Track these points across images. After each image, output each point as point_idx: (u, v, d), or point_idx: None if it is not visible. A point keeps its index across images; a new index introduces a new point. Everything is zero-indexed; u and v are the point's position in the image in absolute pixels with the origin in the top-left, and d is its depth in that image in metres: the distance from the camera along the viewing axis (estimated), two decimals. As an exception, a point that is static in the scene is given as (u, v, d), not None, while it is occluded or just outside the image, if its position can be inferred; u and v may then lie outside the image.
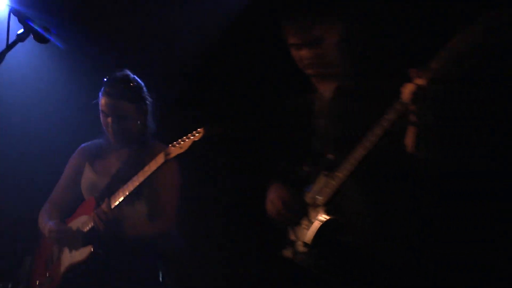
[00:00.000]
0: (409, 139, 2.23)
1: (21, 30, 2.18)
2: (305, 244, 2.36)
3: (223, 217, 3.94)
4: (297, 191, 2.50)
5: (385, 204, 2.34)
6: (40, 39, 2.21)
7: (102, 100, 2.85)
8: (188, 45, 4.01)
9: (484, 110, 3.01)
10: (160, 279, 4.18)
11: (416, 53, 2.32)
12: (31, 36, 2.19)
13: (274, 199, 2.50)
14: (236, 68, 3.85)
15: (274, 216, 2.50)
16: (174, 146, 2.62)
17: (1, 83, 4.07)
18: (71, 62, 4.21)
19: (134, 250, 2.72)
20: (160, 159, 2.62)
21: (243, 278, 3.87)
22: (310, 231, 2.35)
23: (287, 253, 2.46)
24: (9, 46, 2.16)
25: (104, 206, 2.63)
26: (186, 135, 2.63)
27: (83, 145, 3.05)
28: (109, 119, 2.82)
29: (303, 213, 2.42)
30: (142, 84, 2.94)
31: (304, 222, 2.40)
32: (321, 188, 2.39)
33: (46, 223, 2.83)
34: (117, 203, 2.65)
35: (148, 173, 2.64)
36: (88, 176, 2.91)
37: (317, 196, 2.38)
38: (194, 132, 2.61)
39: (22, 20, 2.18)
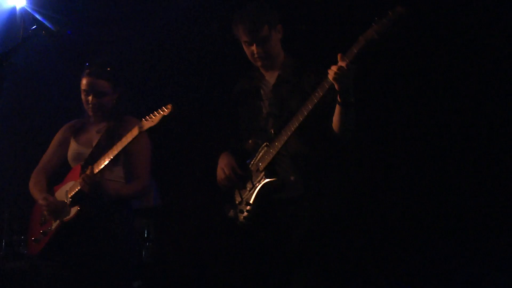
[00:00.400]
0: (335, 116, 2.74)
1: (34, 26, 2.46)
2: (248, 203, 2.85)
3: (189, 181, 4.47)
4: (244, 160, 2.97)
5: (311, 166, 2.84)
6: (51, 33, 2.44)
7: (83, 81, 3.24)
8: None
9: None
10: (145, 235, 4.76)
11: (340, 43, 2.75)
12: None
13: (224, 166, 2.97)
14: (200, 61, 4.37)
15: (223, 181, 2.97)
16: (146, 120, 2.94)
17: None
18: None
19: (113, 209, 3.14)
20: (135, 131, 2.96)
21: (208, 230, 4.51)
22: (252, 192, 2.85)
23: (231, 214, 2.95)
24: (24, 40, 2.44)
25: (88, 171, 3.02)
26: (156, 110, 2.95)
27: (67, 123, 3.46)
28: (89, 97, 3.22)
29: (248, 178, 2.91)
30: (117, 68, 3.34)
31: (248, 186, 2.90)
32: (262, 157, 2.88)
33: (39, 195, 3.21)
34: (99, 168, 3.03)
35: (125, 143, 2.99)
36: (73, 147, 3.30)
37: (259, 163, 2.88)
38: (163, 107, 2.92)
39: (35, 17, 2.39)
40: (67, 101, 4.20)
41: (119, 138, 3.05)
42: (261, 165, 2.87)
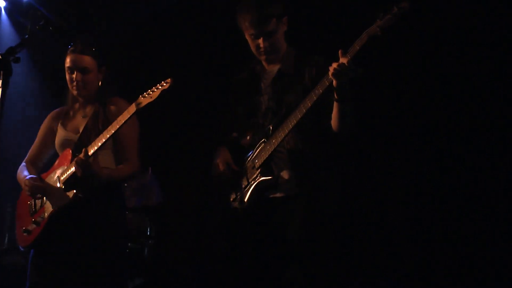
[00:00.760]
0: (333, 113, 2.67)
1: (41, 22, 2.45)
2: (242, 202, 2.79)
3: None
4: (239, 156, 2.90)
5: (307, 164, 2.76)
6: (57, 30, 2.43)
7: (67, 59, 3.15)
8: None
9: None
10: (148, 232, 4.72)
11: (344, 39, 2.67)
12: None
13: (219, 161, 2.91)
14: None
15: (217, 176, 2.91)
16: (144, 96, 2.81)
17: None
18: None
19: (105, 196, 3.07)
20: (132, 109, 2.83)
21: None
22: (247, 190, 2.79)
23: (234, 206, 2.86)
24: (30, 35, 2.43)
25: (82, 155, 2.91)
26: (155, 86, 2.79)
27: (51, 112, 3.36)
28: (74, 74, 3.12)
29: (243, 174, 2.85)
30: (101, 46, 3.25)
31: (244, 183, 2.83)
32: (259, 154, 2.81)
33: (24, 177, 3.13)
34: (92, 151, 2.93)
35: (122, 122, 2.87)
36: (60, 134, 3.22)
37: (256, 160, 2.81)
38: (162, 82, 2.79)
39: (42, 14, 2.39)
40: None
41: (107, 121, 2.97)
42: (257, 162, 2.81)
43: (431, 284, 3.56)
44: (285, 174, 2.78)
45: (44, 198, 3.09)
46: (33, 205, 3.13)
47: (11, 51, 2.41)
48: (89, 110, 3.21)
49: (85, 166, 2.90)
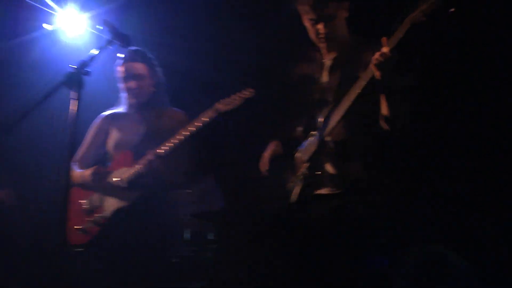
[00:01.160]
0: (383, 107, 2.54)
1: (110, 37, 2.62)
2: (289, 198, 2.69)
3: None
4: (290, 150, 2.82)
5: (354, 161, 2.63)
6: (125, 43, 2.57)
7: (120, 69, 3.28)
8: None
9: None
10: (209, 238, 4.75)
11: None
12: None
13: (265, 156, 2.84)
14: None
15: (262, 171, 2.84)
16: (222, 103, 2.95)
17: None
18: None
19: (162, 198, 3.17)
20: (210, 114, 2.97)
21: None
22: (294, 186, 2.69)
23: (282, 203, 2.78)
24: (101, 50, 2.59)
25: (151, 156, 3.03)
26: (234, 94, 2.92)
27: (102, 114, 3.43)
28: (130, 83, 3.24)
29: (292, 170, 2.75)
30: (152, 55, 3.36)
31: (292, 179, 2.73)
32: (307, 147, 2.73)
33: (82, 172, 3.22)
34: (163, 153, 3.04)
35: (199, 125, 3.00)
36: (115, 136, 3.31)
37: (303, 154, 2.73)
38: (243, 91, 2.91)
39: (112, 28, 2.53)
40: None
41: (165, 129, 3.07)
42: (304, 157, 2.72)
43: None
44: (330, 168, 2.67)
45: (102, 197, 3.18)
46: (89, 204, 3.19)
47: (81, 65, 2.51)
48: (146, 115, 3.29)
49: (154, 167, 3.03)
